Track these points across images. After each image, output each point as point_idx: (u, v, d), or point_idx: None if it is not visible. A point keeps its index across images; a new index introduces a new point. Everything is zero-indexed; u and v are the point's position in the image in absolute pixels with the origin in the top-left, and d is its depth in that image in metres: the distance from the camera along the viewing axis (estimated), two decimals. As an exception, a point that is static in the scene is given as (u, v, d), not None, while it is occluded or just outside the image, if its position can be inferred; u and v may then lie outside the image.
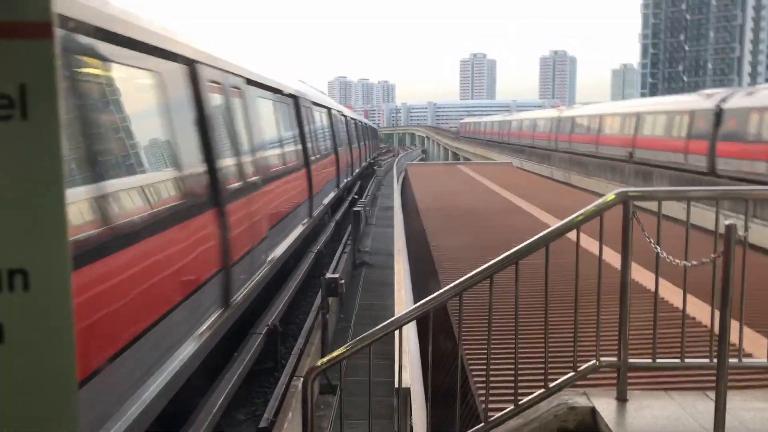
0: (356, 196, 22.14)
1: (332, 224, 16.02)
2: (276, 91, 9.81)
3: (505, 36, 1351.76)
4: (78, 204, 3.45)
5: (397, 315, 4.78)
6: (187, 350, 4.65)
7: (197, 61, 5.62)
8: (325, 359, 4.41)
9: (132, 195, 4.27)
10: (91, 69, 3.89)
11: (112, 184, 3.86)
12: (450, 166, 37.41)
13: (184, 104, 5.38)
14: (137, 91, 4.68)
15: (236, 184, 6.40)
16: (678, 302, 4.40)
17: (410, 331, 6.11)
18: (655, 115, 28.44)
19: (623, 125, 31.71)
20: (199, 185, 5.33)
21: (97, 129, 3.82)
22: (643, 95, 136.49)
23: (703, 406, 4.10)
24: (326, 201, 14.28)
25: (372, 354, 4.20)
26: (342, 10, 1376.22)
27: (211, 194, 5.53)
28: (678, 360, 4.32)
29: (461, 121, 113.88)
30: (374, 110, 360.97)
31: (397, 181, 28.90)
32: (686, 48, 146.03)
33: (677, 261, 4.14)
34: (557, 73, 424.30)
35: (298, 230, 10.12)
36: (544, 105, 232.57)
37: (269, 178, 8.20)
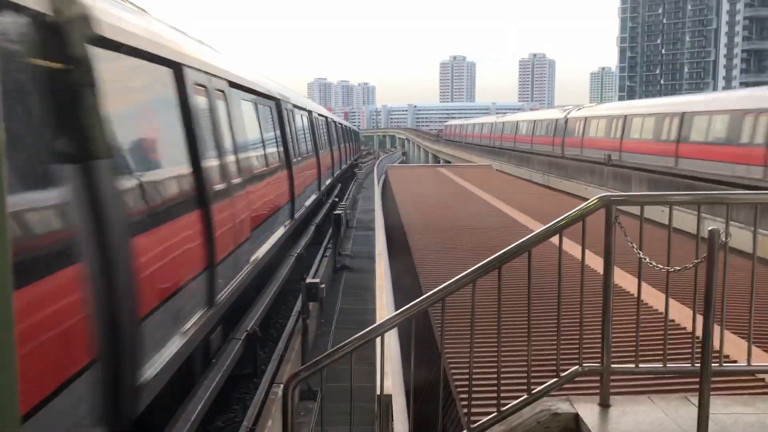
0: (336, 199, 22.11)
1: (312, 228, 15.96)
2: (302, 109, 16.34)
3: (485, 38, 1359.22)
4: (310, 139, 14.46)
5: (378, 320, 4.73)
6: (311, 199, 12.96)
7: (280, 99, 11.88)
8: (305, 366, 4.34)
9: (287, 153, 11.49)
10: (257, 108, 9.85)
11: (286, 152, 11.52)
12: (430, 169, 37.46)
13: (276, 120, 11.54)
14: (274, 114, 11.24)
15: (298, 158, 12.99)
16: (660, 306, 4.40)
17: (392, 337, 6.06)
18: (719, 116, 21.13)
19: (659, 128, 25.38)
20: (281, 159, 10.96)
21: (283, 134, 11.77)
22: (621, 98, 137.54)
23: (685, 410, 4.10)
24: (328, 182, 21.61)
25: (353, 360, 4.15)
26: (321, 12, 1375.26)
27: (287, 160, 11.58)
28: (660, 365, 4.31)
29: (445, 123, 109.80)
30: (354, 112, 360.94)
31: (378, 184, 28.89)
32: (663, 52, 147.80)
33: (660, 266, 4.13)
34: (536, 75, 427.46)
35: (312, 197, 16.47)
36: (524, 108, 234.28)
37: (307, 157, 15.28)
